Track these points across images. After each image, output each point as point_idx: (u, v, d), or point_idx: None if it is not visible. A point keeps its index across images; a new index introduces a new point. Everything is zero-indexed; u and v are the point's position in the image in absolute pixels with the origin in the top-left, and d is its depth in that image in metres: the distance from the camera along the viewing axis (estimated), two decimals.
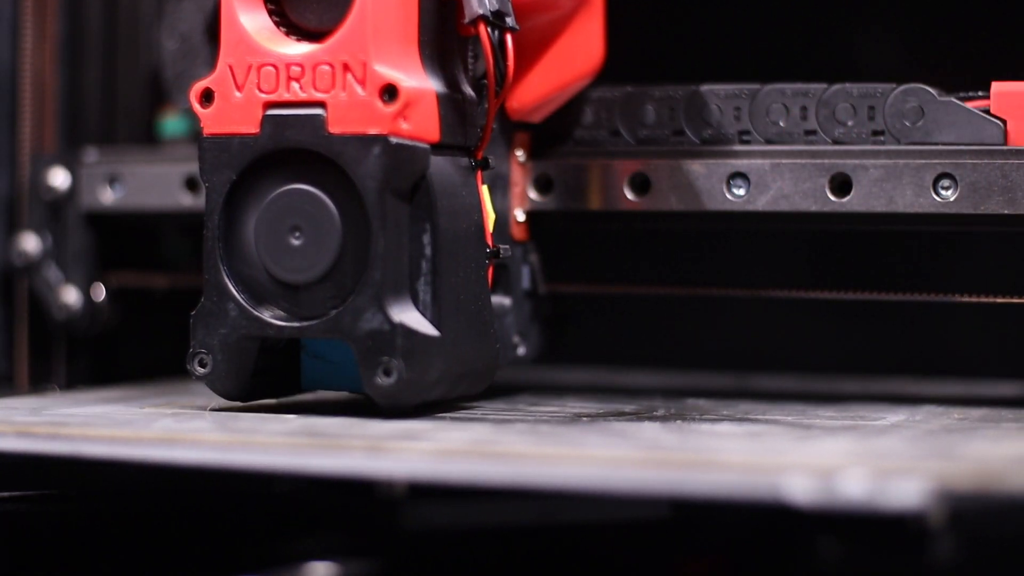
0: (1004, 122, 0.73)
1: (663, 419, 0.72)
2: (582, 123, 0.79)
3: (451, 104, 0.70)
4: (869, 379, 0.92)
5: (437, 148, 0.69)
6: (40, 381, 0.90)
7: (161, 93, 0.92)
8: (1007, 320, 0.91)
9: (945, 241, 0.92)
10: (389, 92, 0.67)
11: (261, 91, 0.69)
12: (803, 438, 0.65)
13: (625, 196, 0.77)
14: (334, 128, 0.68)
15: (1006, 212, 0.72)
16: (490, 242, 0.71)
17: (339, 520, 0.70)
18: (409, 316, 0.67)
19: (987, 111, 0.74)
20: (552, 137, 0.79)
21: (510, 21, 0.70)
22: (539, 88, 0.76)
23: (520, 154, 0.78)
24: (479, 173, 0.71)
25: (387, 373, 0.66)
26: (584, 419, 0.71)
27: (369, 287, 0.67)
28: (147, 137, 0.92)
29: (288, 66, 0.69)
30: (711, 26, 0.96)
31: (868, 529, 0.55)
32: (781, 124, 0.76)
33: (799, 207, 0.75)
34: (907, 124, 0.74)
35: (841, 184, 0.74)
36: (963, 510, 0.52)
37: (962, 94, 0.74)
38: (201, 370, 0.70)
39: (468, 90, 0.71)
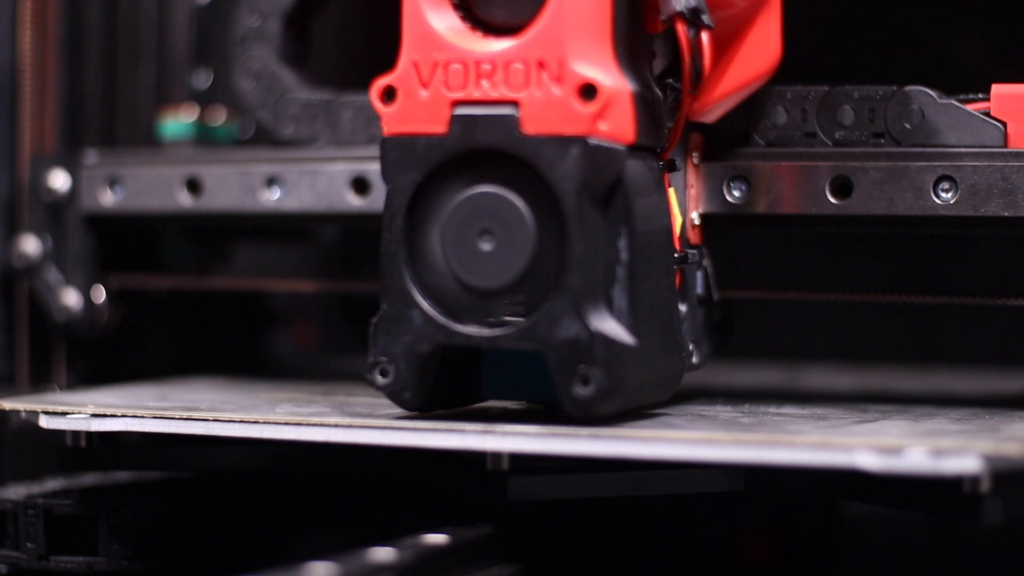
0: (1004, 124, 0.73)
1: (732, 403, 0.75)
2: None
3: (644, 104, 0.67)
4: (887, 374, 0.95)
5: (631, 150, 0.66)
6: (40, 382, 0.90)
7: (162, 94, 0.92)
8: (1006, 321, 0.92)
9: (945, 244, 0.92)
10: (588, 91, 0.65)
11: (448, 89, 0.67)
12: (862, 421, 0.70)
13: None
14: (528, 128, 0.65)
15: (1006, 215, 0.72)
16: (677, 246, 0.70)
17: (452, 493, 0.70)
18: (607, 324, 0.65)
19: (987, 113, 0.74)
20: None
21: (706, 19, 0.68)
22: (720, 88, 0.73)
23: (695, 156, 0.75)
24: (666, 175, 0.69)
25: (585, 383, 0.64)
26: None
27: (566, 294, 0.64)
28: (148, 139, 0.92)
29: (477, 64, 0.66)
30: None
31: (929, 494, 0.62)
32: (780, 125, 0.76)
33: (799, 209, 0.75)
34: (907, 126, 0.74)
35: (841, 186, 0.74)
36: (1014, 474, 0.60)
37: (962, 96, 0.74)
38: (383, 380, 0.67)
39: (656, 89, 0.69)
